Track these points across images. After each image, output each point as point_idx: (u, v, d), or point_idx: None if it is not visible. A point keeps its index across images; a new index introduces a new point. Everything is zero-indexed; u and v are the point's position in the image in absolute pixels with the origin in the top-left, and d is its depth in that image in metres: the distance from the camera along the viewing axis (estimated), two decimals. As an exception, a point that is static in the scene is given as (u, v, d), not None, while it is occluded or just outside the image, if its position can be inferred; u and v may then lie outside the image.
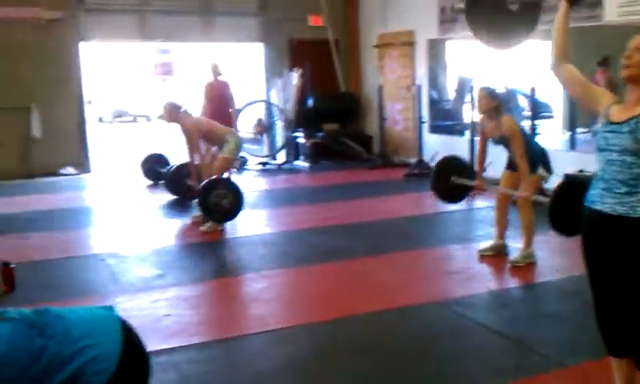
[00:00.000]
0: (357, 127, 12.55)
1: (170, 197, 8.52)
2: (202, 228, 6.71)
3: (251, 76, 12.85)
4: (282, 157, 11.82)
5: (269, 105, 12.15)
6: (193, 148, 7.12)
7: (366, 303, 4.55)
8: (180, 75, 29.57)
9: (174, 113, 7.06)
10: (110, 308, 2.15)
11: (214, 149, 7.41)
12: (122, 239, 6.59)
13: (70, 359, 1.88)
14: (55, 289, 5.00)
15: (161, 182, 9.25)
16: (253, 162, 11.51)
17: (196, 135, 6.98)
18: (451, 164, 5.93)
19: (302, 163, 11.52)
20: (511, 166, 5.34)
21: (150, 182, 9.69)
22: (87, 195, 9.48)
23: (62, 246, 6.38)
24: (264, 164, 11.54)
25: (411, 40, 11.21)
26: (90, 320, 2.03)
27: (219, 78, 9.03)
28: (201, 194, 6.47)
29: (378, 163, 11.18)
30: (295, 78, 11.57)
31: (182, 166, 8.27)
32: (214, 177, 6.72)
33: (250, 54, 12.77)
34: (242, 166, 11.05)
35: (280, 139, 12.03)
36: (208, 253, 6.24)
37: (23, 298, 4.70)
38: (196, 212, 7.22)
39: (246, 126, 11.97)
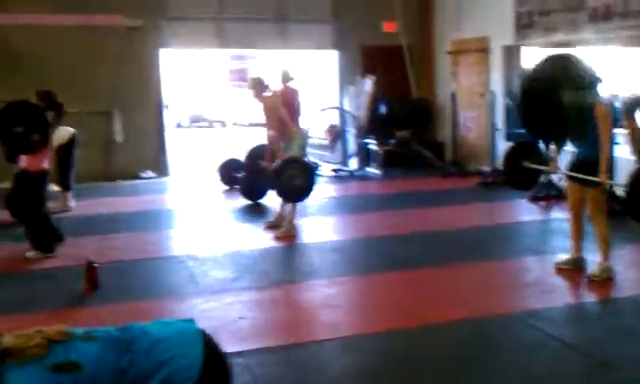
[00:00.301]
0: (429, 134, 12.47)
1: (244, 201, 8.74)
2: (277, 233, 6.87)
3: (324, 82, 12.97)
4: (353, 163, 11.89)
5: (341, 111, 12.23)
6: (270, 127, 7.28)
7: (439, 313, 4.55)
8: None
9: (259, 88, 7.21)
10: (191, 320, 2.30)
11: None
12: (200, 242, 6.79)
13: (156, 371, 2.02)
14: (136, 289, 5.22)
15: (236, 186, 9.48)
16: (324, 169, 11.61)
17: (274, 116, 7.12)
18: (523, 148, 5.84)
19: (373, 170, 11.54)
20: (575, 176, 5.20)
21: (226, 187, 9.94)
22: (166, 198, 9.82)
23: (143, 247, 6.64)
24: (336, 170, 11.63)
25: (486, 46, 11.06)
26: (173, 333, 2.17)
27: (289, 84, 9.14)
28: (274, 174, 6.65)
29: (450, 171, 11.09)
30: (368, 84, 11.61)
31: (256, 171, 8.55)
32: (287, 157, 6.88)
33: (323, 61, 12.89)
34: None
35: (352, 146, 12.09)
36: (281, 257, 6.37)
37: (106, 297, 4.95)
38: (269, 217, 7.40)
39: (318, 132, 12.11)
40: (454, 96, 11.76)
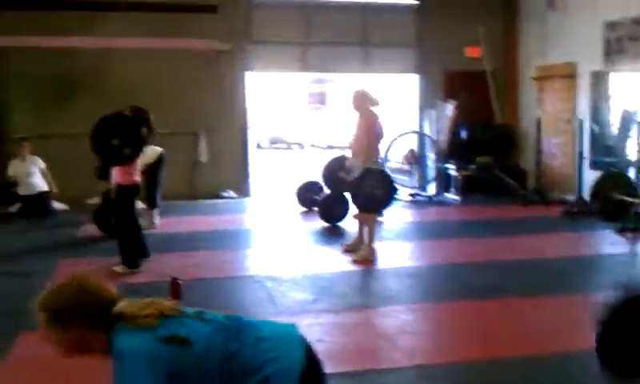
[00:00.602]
0: (511, 161, 12.23)
1: (322, 224, 8.82)
2: (356, 257, 6.89)
3: (404, 107, 12.96)
4: (432, 189, 11.80)
5: (421, 135, 12.17)
6: (365, 141, 6.99)
7: (519, 346, 4.44)
8: (333, 105, 30.33)
9: (361, 101, 7.06)
10: (293, 325, 2.32)
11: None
12: (278, 263, 6.89)
13: (259, 368, 2.06)
14: (217, 307, 5.28)
15: (314, 208, 9.59)
16: (402, 193, 11.56)
17: (370, 131, 7.00)
18: (613, 178, 5.64)
19: (452, 196, 11.41)
20: None
21: (304, 209, 10.06)
22: (246, 218, 10.03)
23: (222, 265, 6.81)
24: (413, 195, 11.57)
25: (573, 72, 10.79)
26: (277, 333, 2.22)
27: (372, 108, 9.12)
28: (354, 184, 6.65)
29: (533, 199, 10.83)
30: (449, 108, 11.53)
31: (333, 196, 8.71)
32: (368, 167, 6.89)
33: (403, 85, 12.89)
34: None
35: (431, 171, 12.00)
36: (359, 281, 6.38)
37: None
38: (347, 240, 7.43)
39: (396, 156, 12.08)
40: (538, 122, 11.50)
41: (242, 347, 2.09)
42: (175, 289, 5.38)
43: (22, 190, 9.76)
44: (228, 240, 8.07)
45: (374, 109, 7.98)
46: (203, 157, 11.32)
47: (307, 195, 10.19)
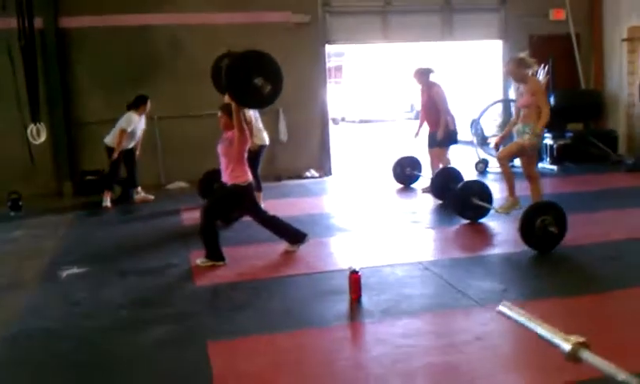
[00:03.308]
0: (601, 127, 11.69)
1: (436, 201, 8.33)
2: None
3: (486, 75, 12.40)
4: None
5: (507, 103, 11.53)
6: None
7: None
8: (348, 78, 29.26)
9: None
10: None
11: None
12: (429, 245, 6.37)
13: None
14: (404, 299, 4.84)
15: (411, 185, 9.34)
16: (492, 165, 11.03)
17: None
18: None
19: (547, 166, 10.87)
20: None
21: (400, 185, 9.58)
22: (352, 199, 9.22)
23: (379, 250, 6.27)
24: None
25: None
26: None
27: (430, 80, 8.65)
28: (527, 214, 5.91)
29: (631, 166, 10.27)
30: (541, 74, 10.95)
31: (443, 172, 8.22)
32: (542, 200, 6.42)
33: (484, 53, 12.31)
34: (484, 168, 10.67)
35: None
36: (539, 264, 5.81)
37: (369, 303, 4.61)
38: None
39: (489, 128, 11.54)
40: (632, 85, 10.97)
41: None
42: (354, 281, 4.90)
43: (128, 143, 9.14)
44: (354, 223, 7.52)
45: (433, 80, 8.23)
46: (283, 135, 10.78)
47: (403, 171, 9.72)
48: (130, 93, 9.99)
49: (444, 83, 8.89)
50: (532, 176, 6.81)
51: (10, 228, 7.95)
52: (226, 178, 5.86)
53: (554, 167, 10.71)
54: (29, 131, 8.49)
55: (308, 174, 10.92)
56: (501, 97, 11.80)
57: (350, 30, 11.03)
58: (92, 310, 4.83)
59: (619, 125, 11.49)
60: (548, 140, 10.94)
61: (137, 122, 9.07)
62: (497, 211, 6.95)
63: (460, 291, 4.95)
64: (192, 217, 8.07)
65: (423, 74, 8.64)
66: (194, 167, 9.65)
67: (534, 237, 5.77)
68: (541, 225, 5.75)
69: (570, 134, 11.05)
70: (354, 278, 4.87)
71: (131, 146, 9.19)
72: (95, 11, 9.89)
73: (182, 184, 10.45)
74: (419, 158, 9.79)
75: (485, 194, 7.17)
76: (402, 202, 8.89)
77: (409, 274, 5.48)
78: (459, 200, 7.13)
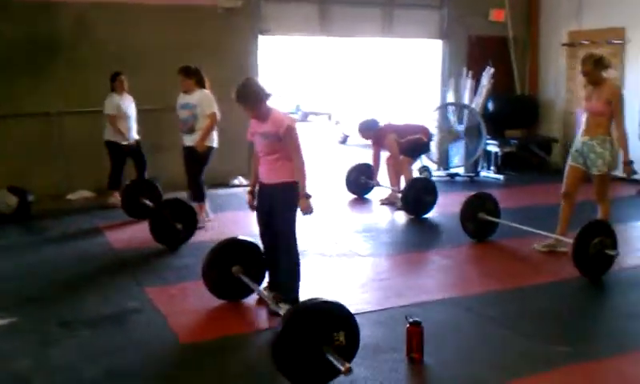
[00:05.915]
0: (536, 133, 11.35)
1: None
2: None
3: (424, 76, 11.65)
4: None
5: (461, 108, 10.59)
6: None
7: None
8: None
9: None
10: None
11: None
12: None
13: None
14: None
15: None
16: (436, 173, 10.29)
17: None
18: None
19: (490, 175, 10.28)
20: None
21: (354, 196, 8.63)
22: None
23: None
24: (452, 175, 10.29)
25: (620, 38, 9.94)
26: None
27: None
28: (580, 236, 5.12)
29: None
30: (485, 77, 10.34)
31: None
32: (599, 220, 5.55)
33: (423, 52, 11.55)
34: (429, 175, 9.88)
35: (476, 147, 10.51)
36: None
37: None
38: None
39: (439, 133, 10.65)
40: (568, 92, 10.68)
41: None
42: (414, 334, 3.75)
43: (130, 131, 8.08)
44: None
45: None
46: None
47: (356, 179, 8.75)
48: (20, 82, 8.27)
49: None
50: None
51: None
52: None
53: (500, 176, 10.13)
54: None
55: (236, 181, 9.60)
56: (439, 100, 11.06)
57: (286, 19, 9.81)
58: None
59: (553, 131, 11.15)
60: (493, 147, 10.35)
61: (119, 101, 7.95)
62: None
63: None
64: (120, 238, 6.62)
65: (369, 129, 8.50)
66: (100, 173, 8.13)
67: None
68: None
69: (514, 141, 10.54)
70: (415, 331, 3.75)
71: (135, 135, 8.15)
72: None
73: (86, 193, 8.78)
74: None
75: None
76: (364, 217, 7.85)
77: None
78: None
